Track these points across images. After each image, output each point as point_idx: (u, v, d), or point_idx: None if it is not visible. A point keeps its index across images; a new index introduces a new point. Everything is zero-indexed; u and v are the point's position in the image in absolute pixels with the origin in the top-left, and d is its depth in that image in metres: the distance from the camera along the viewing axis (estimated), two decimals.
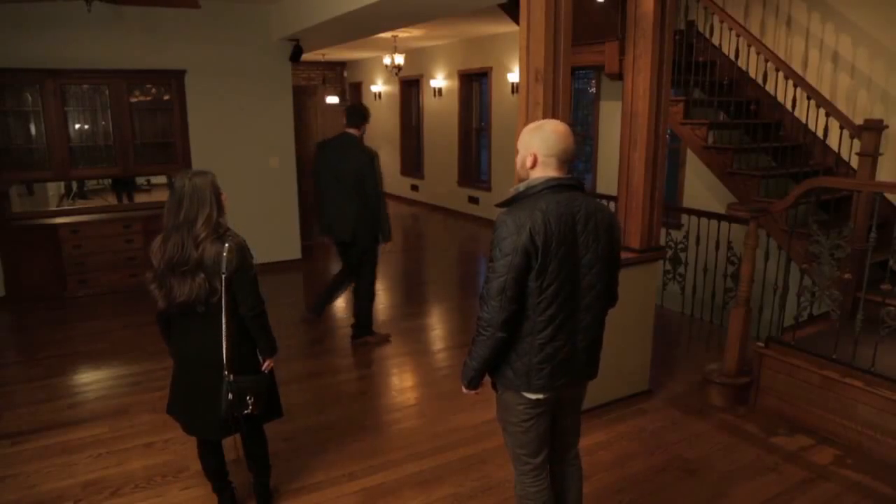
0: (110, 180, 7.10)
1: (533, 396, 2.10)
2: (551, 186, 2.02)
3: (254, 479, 2.89)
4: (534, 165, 2.07)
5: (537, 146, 2.05)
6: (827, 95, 4.86)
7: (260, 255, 7.91)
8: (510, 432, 2.23)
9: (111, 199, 6.96)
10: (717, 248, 5.30)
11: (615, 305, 2.25)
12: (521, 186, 2.07)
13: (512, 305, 1.98)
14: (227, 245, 2.42)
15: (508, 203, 2.07)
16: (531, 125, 2.13)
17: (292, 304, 5.89)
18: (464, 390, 2.19)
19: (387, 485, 3.09)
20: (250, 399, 2.53)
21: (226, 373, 2.47)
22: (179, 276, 2.40)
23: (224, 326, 2.45)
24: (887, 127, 4.32)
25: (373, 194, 4.42)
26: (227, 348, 2.46)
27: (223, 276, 2.40)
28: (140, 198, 7.14)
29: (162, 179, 7.06)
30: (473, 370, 2.11)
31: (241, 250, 2.47)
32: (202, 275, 2.39)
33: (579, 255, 2.03)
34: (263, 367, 2.64)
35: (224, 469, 2.83)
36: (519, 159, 2.12)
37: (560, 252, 1.98)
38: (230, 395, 2.47)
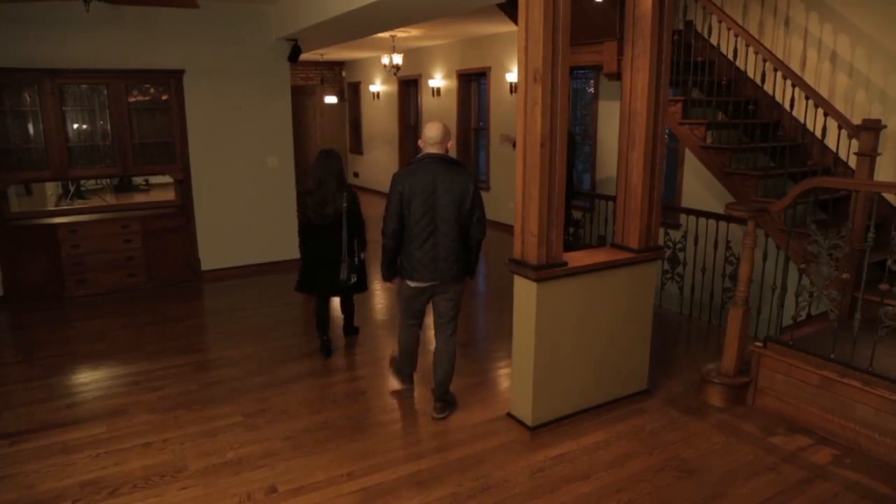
0: (108, 180, 7.09)
1: (412, 284, 3.56)
2: (426, 158, 3.44)
3: (344, 323, 5.05)
4: (422, 147, 3.50)
5: (422, 135, 3.49)
6: (825, 95, 4.86)
7: (258, 256, 7.92)
8: (400, 301, 3.75)
9: (109, 199, 6.96)
10: (716, 247, 5.31)
11: (478, 239, 3.53)
12: (417, 157, 3.48)
13: (395, 225, 3.44)
14: (346, 190, 4.38)
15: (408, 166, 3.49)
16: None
17: (290, 305, 5.90)
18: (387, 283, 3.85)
19: (385, 484, 3.09)
20: (354, 275, 4.47)
21: (346, 258, 4.40)
22: (323, 207, 4.33)
23: (345, 233, 4.38)
24: (885, 127, 4.33)
25: None
26: (346, 245, 4.40)
27: (345, 207, 4.35)
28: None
29: (160, 179, 7.05)
30: (383, 268, 3.65)
31: (353, 194, 4.48)
32: (335, 207, 4.33)
33: (437, 199, 3.38)
34: (361, 256, 4.54)
35: (328, 320, 4.72)
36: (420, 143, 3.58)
37: (421, 196, 3.36)
38: (348, 270, 4.42)
